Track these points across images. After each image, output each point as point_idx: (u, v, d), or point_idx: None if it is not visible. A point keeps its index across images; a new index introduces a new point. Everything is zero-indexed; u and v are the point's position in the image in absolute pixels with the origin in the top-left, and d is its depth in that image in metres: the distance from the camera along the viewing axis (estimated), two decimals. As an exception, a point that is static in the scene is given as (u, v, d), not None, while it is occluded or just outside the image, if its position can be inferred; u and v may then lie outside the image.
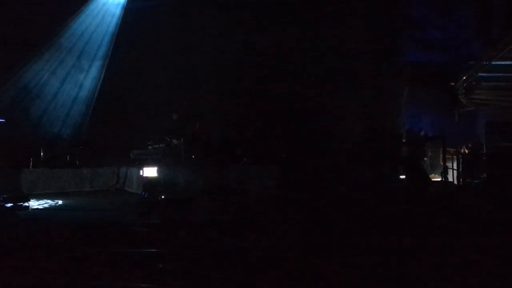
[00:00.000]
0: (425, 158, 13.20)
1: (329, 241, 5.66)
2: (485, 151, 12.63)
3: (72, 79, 14.56)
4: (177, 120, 11.73)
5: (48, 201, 10.19)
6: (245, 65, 14.02)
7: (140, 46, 14.10)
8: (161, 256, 4.99)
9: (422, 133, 13.81)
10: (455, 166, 12.05)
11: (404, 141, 13.98)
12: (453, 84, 12.63)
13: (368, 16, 13.48)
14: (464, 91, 12.61)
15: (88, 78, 14.74)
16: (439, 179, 11.70)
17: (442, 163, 11.30)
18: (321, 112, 13.57)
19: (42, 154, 12.80)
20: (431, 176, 12.68)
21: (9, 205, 8.35)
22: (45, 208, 9.29)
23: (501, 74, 12.52)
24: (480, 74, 12.06)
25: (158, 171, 9.69)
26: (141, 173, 10.31)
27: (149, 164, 10.34)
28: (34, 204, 9.41)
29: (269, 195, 10.15)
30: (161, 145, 11.75)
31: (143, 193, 9.20)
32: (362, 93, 13.26)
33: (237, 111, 13.83)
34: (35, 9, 13.20)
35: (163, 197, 8.84)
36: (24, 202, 8.64)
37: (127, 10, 14.74)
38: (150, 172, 9.79)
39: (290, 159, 12.20)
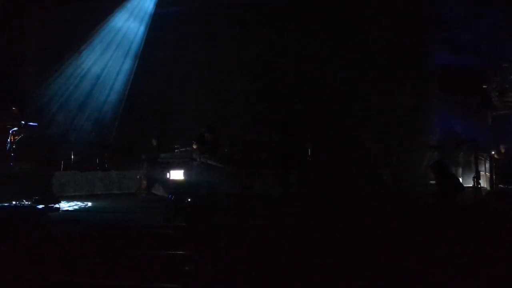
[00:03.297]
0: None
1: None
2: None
3: (101, 83, 14.84)
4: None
5: (78, 203, 10.38)
6: (270, 70, 13.95)
7: (169, 51, 14.27)
8: (188, 259, 4.99)
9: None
10: (487, 171, 11.67)
11: (433, 145, 13.63)
12: (485, 86, 12.25)
13: (397, 19, 13.22)
14: (497, 94, 12.21)
15: (117, 82, 15.00)
16: (471, 185, 11.35)
17: (474, 168, 10.96)
18: (347, 116, 13.36)
19: (72, 157, 13.07)
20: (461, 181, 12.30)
21: (40, 206, 8.55)
22: (75, 210, 9.48)
23: (535, 77, 12.09)
24: (513, 76, 11.69)
25: (185, 174, 9.75)
26: (168, 176, 10.39)
27: (176, 167, 10.42)
28: (64, 206, 9.61)
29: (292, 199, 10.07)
30: (188, 148, 11.81)
31: (170, 196, 9.26)
32: (390, 97, 12.99)
33: (262, 116, 13.77)
34: (64, 15, 13.54)
35: (189, 200, 8.86)
36: (55, 204, 8.84)
37: (156, 16, 14.97)
38: (177, 175, 9.86)
39: (315, 164, 12.05)
